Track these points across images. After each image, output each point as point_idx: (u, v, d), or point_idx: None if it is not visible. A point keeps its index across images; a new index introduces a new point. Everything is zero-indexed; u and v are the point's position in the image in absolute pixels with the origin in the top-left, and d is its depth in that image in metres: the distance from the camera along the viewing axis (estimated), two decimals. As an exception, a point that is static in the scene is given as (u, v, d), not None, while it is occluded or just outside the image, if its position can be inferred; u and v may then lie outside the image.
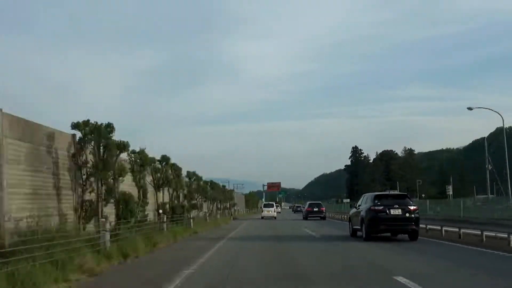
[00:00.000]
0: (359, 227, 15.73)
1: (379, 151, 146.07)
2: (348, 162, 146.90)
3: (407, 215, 14.44)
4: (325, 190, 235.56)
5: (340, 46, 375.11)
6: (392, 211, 14.49)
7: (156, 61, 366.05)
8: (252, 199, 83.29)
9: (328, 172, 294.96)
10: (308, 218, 37.73)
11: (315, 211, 38.37)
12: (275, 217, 40.15)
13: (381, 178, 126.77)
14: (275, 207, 43.01)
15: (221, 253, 11.99)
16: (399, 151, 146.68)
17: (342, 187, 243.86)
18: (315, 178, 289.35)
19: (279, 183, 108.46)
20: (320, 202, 42.99)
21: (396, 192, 33.19)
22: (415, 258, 10.74)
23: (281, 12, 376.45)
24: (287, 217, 44.96)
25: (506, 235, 12.09)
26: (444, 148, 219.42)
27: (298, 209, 67.51)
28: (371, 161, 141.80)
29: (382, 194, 16.34)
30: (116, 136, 11.66)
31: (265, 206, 43.28)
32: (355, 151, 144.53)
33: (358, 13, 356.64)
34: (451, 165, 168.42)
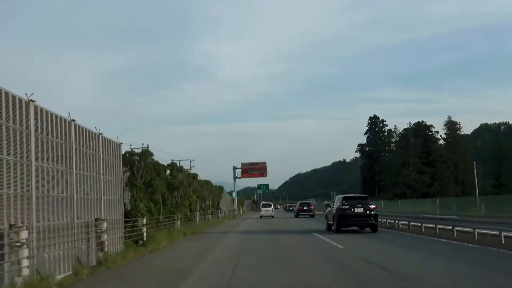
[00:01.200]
0: (332, 222, 20.25)
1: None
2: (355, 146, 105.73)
3: (368, 212, 19.03)
4: (301, 190, 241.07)
5: (315, 48, 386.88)
6: (356, 210, 19.06)
7: (128, 61, 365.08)
8: (210, 189, 37.36)
9: (303, 172, 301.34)
10: (299, 216, 43.62)
11: (305, 210, 44.85)
12: (272, 216, 44.53)
13: (417, 162, 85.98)
14: (272, 207, 47.76)
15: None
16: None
17: (317, 186, 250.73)
18: (290, 178, 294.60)
19: (264, 163, 63.93)
20: (309, 202, 50.46)
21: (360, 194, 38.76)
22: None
23: (255, 13, 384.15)
24: (281, 216, 49.89)
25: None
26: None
27: (290, 208, 74.25)
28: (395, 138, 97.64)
29: (348, 196, 21.02)
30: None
31: (263, 206, 47.79)
32: (374, 123, 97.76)
33: (332, 16, 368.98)
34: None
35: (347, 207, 19.18)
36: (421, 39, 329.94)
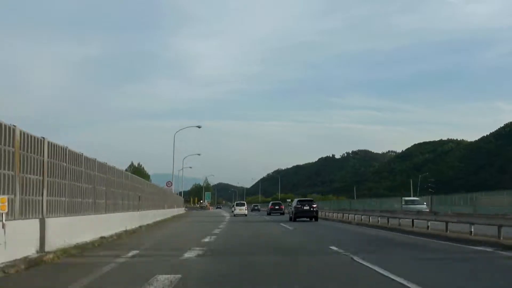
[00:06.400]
0: (291, 215, 38.44)
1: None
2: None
3: (311, 209, 37.25)
4: (281, 187, 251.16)
5: (287, 51, 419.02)
6: (304, 207, 37.30)
7: (100, 51, 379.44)
8: None
9: (283, 168, 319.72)
10: (271, 214, 59.59)
11: (276, 208, 61.51)
12: (246, 215, 54.76)
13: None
14: (246, 206, 58.52)
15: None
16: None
17: (300, 184, 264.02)
18: (267, 175, 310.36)
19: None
20: (280, 201, 68.42)
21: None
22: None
23: (229, 12, 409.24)
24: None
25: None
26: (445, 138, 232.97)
27: (256, 208, 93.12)
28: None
29: (301, 199, 39.62)
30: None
31: (237, 205, 58.28)
32: None
33: (305, 20, 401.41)
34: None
35: (299, 206, 37.50)
36: (389, 49, 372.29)
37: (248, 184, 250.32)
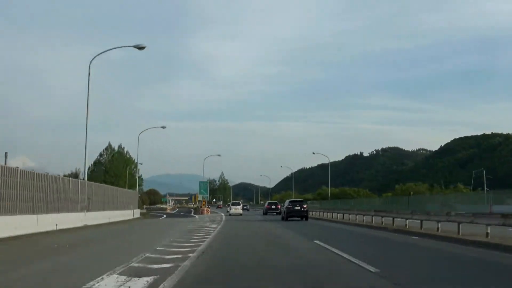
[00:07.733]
0: (284, 215, 41.23)
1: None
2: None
3: (302, 209, 40.04)
4: (305, 187, 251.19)
5: (308, 51, 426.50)
6: (296, 207, 40.08)
7: (122, 53, 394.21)
8: None
9: (308, 167, 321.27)
10: (267, 214, 62.10)
11: (273, 208, 63.16)
12: (241, 214, 58.29)
13: None
14: (241, 205, 62.69)
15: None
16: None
17: (326, 183, 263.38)
18: (291, 174, 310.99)
19: None
20: (277, 202, 70.22)
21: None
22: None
23: (251, 14, 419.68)
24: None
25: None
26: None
27: (245, 207, 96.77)
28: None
29: (292, 200, 42.51)
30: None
31: (233, 204, 62.01)
32: None
33: (326, 20, 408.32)
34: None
35: (291, 206, 40.34)
36: (412, 48, 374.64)
37: (272, 183, 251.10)
